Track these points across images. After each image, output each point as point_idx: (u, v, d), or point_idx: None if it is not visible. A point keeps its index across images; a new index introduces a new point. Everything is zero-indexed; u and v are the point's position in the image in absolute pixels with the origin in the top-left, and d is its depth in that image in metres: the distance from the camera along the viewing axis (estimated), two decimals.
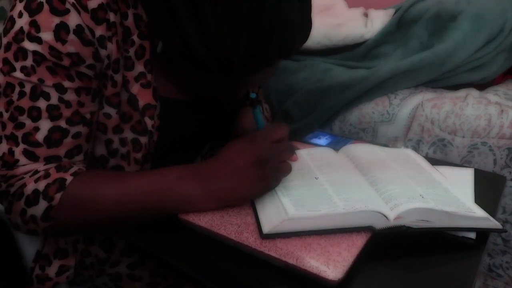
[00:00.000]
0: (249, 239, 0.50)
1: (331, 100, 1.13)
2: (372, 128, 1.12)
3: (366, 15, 1.38)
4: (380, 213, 0.49)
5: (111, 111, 0.57)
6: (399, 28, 1.30)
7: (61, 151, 0.54)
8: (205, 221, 0.53)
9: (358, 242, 0.49)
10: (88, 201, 0.52)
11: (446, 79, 1.14)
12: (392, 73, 1.11)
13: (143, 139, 0.59)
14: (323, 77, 1.20)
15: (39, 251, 0.68)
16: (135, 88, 0.57)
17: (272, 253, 0.48)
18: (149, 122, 0.58)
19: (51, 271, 0.66)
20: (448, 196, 0.55)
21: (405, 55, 1.21)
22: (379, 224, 0.50)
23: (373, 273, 0.48)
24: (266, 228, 0.50)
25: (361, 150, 0.69)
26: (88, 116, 0.55)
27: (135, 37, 0.56)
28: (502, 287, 1.07)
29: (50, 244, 0.67)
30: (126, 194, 0.53)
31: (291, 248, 0.48)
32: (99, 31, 0.52)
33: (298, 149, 0.65)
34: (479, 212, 0.53)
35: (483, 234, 0.53)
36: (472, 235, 0.53)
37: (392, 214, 0.50)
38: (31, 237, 0.68)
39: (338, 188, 0.55)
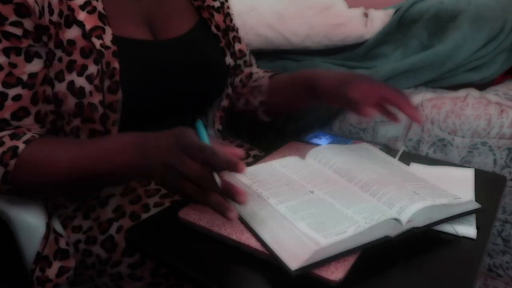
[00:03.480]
0: (250, 239, 0.50)
1: None
2: (372, 128, 1.11)
3: (366, 15, 1.38)
4: (396, 219, 0.49)
5: (62, 54, 0.58)
6: (399, 28, 1.30)
7: (6, 114, 0.56)
8: (205, 221, 0.53)
9: None
10: (39, 167, 0.56)
11: (446, 79, 1.14)
12: (392, 73, 1.11)
13: (94, 67, 0.58)
14: None
15: (39, 252, 0.68)
16: (81, 16, 0.58)
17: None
18: (96, 42, 0.58)
19: (51, 272, 0.66)
20: (432, 186, 0.57)
21: (405, 55, 1.21)
22: (393, 231, 0.50)
23: (373, 274, 0.48)
24: (294, 264, 0.44)
25: (327, 152, 0.67)
26: (24, 77, 0.56)
27: None
28: (502, 287, 1.07)
29: (51, 245, 0.67)
30: (74, 162, 0.55)
31: None
32: None
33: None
34: (464, 196, 0.54)
35: (483, 234, 0.53)
36: (473, 235, 0.53)
37: (402, 218, 0.50)
38: (32, 238, 0.68)
39: (341, 201, 0.53)
